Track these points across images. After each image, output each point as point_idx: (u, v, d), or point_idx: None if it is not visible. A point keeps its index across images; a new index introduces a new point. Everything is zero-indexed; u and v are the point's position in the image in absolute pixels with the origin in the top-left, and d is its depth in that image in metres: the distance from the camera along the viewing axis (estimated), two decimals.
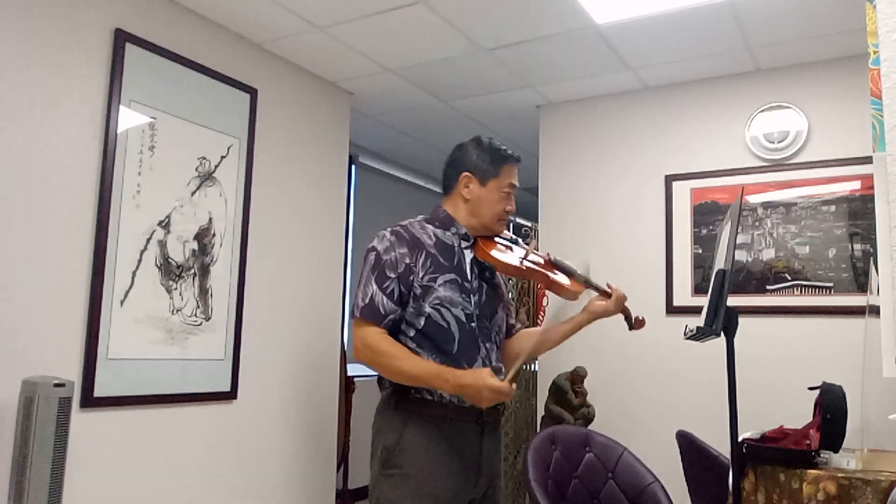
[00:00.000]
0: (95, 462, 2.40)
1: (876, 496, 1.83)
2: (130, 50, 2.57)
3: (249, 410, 2.99)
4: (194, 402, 2.76)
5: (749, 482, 2.14)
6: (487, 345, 1.92)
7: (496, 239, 2.00)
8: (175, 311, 2.69)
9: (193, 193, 2.79)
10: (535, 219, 3.90)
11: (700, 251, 3.34)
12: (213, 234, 2.86)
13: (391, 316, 1.83)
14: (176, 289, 2.70)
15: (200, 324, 2.78)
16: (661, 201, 3.47)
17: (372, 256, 1.87)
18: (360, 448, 3.86)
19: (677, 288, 3.37)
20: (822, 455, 2.04)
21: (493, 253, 1.92)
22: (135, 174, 2.57)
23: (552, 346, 2.13)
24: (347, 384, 4.06)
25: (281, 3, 2.77)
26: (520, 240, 2.08)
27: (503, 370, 1.96)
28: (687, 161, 3.44)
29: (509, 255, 1.96)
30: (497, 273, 2.02)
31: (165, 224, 2.68)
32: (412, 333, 1.86)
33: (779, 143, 3.23)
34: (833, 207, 3.08)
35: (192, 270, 2.77)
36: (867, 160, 2.98)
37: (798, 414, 2.45)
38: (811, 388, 2.24)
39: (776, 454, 2.08)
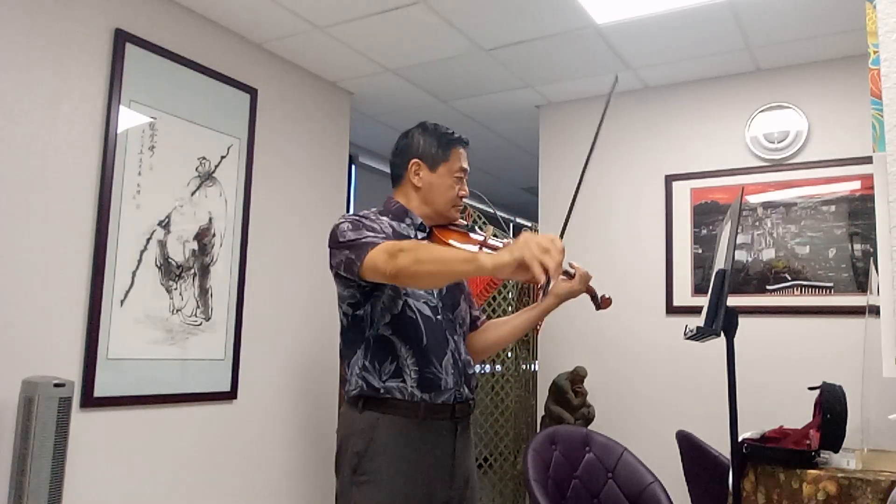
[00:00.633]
0: (95, 462, 2.40)
1: (876, 496, 1.83)
2: (130, 50, 2.57)
3: (249, 410, 2.99)
4: (194, 402, 2.76)
5: (749, 482, 2.14)
6: (455, 337, 1.87)
7: (451, 227, 1.94)
8: (175, 311, 2.69)
9: (193, 193, 2.79)
10: (535, 219, 3.90)
11: (700, 251, 3.34)
12: (213, 234, 2.87)
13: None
14: (176, 289, 2.70)
15: (200, 324, 2.78)
16: (661, 201, 3.47)
17: (345, 225, 1.75)
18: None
19: (677, 288, 3.37)
20: (822, 455, 2.04)
21: (452, 242, 1.86)
22: (135, 174, 2.57)
23: (520, 334, 2.08)
24: None
25: (281, 3, 2.77)
26: (476, 227, 2.02)
27: (472, 363, 1.92)
28: (687, 161, 3.44)
29: (467, 242, 1.90)
30: None
31: (165, 224, 2.68)
32: (388, 319, 1.78)
33: (779, 143, 3.23)
34: (833, 207, 3.08)
35: (192, 270, 2.77)
36: (867, 160, 2.98)
37: (798, 414, 2.46)
38: (811, 388, 2.24)
39: (776, 454, 2.08)
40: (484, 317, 2.12)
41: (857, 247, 3.02)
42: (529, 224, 4.08)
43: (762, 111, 3.28)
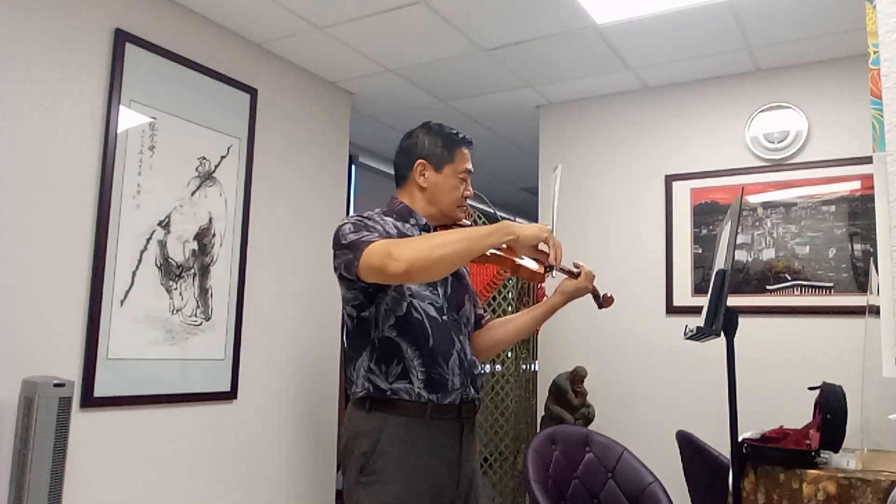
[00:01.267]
0: (95, 462, 2.40)
1: (876, 496, 1.83)
2: (130, 50, 2.57)
3: (249, 410, 2.99)
4: (194, 402, 2.76)
5: (749, 482, 2.14)
6: (460, 337, 1.87)
7: (456, 227, 1.94)
8: (175, 311, 2.69)
9: (193, 193, 2.79)
10: (535, 219, 3.90)
11: (700, 251, 3.34)
12: (213, 234, 2.87)
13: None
14: (176, 289, 2.70)
15: (200, 324, 2.78)
16: (661, 201, 3.47)
17: (347, 227, 1.76)
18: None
19: (677, 288, 3.37)
20: (822, 455, 2.04)
21: None
22: (135, 174, 2.57)
23: (527, 333, 2.09)
24: (347, 384, 4.06)
25: (281, 3, 2.77)
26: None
27: (477, 363, 1.93)
28: (687, 161, 3.44)
29: None
30: None
31: (165, 224, 2.68)
32: (392, 321, 1.78)
33: (779, 143, 3.23)
34: (833, 207, 3.08)
35: (192, 270, 2.77)
36: (867, 160, 2.98)
37: (798, 414, 2.46)
38: (811, 388, 2.24)
39: (776, 454, 2.08)
40: (489, 316, 2.13)
41: (857, 247, 3.02)
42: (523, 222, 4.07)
43: (762, 111, 3.28)
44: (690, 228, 3.37)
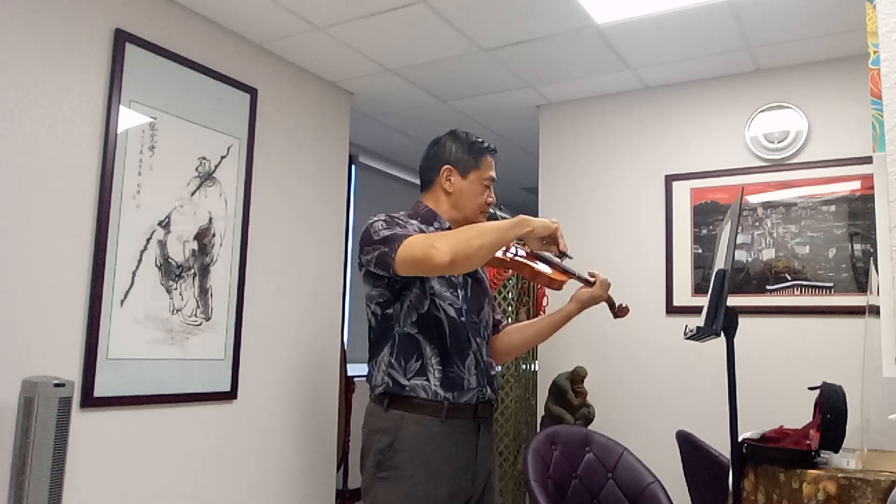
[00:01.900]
0: (95, 462, 2.40)
1: (876, 496, 1.82)
2: (130, 50, 2.57)
3: (249, 410, 2.99)
4: (194, 402, 2.76)
5: (749, 482, 2.14)
6: (478, 339, 1.92)
7: None
8: (175, 311, 2.69)
9: (193, 193, 2.79)
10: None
11: (700, 251, 3.34)
12: (213, 234, 2.87)
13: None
14: (176, 289, 2.70)
15: (200, 324, 2.78)
16: (661, 201, 3.47)
17: (378, 224, 1.82)
18: (361, 448, 3.85)
19: (677, 288, 3.37)
20: (822, 455, 2.04)
21: None
22: (135, 174, 2.57)
23: (544, 338, 2.15)
24: (347, 384, 4.07)
25: (281, 3, 2.77)
26: None
27: (494, 364, 1.97)
28: (687, 161, 3.44)
29: None
30: (481, 268, 2.02)
31: (165, 224, 2.68)
32: (414, 318, 1.83)
33: (779, 143, 3.23)
34: (833, 207, 3.08)
35: (192, 270, 2.77)
36: (867, 160, 2.98)
37: (798, 414, 2.46)
38: (811, 388, 2.24)
39: (776, 454, 2.08)
40: (506, 321, 2.17)
41: (857, 247, 3.01)
42: None
43: (762, 111, 3.28)
44: (690, 228, 3.37)
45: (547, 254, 2.03)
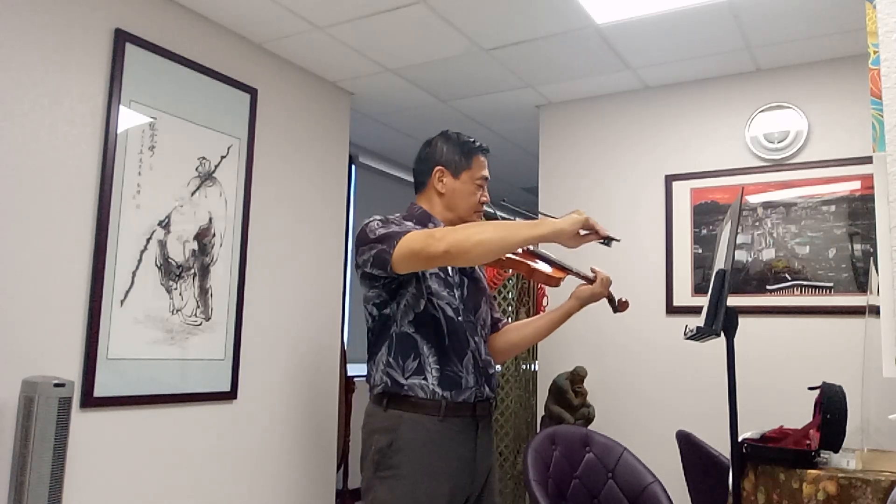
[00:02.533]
0: (95, 462, 2.40)
1: (876, 496, 1.82)
2: (130, 50, 2.57)
3: (249, 410, 2.99)
4: (194, 402, 2.76)
5: (749, 482, 2.14)
6: (476, 338, 1.92)
7: None
8: (175, 311, 2.69)
9: (193, 193, 2.79)
10: (535, 219, 3.89)
11: (700, 251, 3.34)
12: (213, 234, 2.86)
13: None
14: (176, 289, 2.70)
15: (200, 324, 2.78)
16: (661, 201, 3.47)
17: (374, 223, 1.81)
18: (360, 448, 3.85)
19: (677, 288, 3.37)
20: (822, 455, 2.04)
21: None
22: (135, 174, 2.57)
23: (543, 336, 2.14)
24: (347, 384, 4.06)
25: (281, 3, 2.77)
26: None
27: (493, 363, 1.97)
28: (687, 161, 3.44)
29: None
30: (477, 267, 2.02)
31: (165, 224, 2.68)
32: (411, 317, 1.84)
33: (779, 143, 3.23)
34: (833, 207, 3.08)
35: (192, 270, 2.77)
36: (867, 160, 2.98)
37: (798, 414, 2.45)
38: (811, 388, 2.24)
39: (776, 454, 2.08)
40: (506, 319, 2.16)
41: (857, 247, 3.01)
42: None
43: (762, 111, 3.28)
44: (690, 228, 3.37)
45: (543, 251, 2.02)
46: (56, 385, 2.08)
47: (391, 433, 1.80)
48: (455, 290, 1.90)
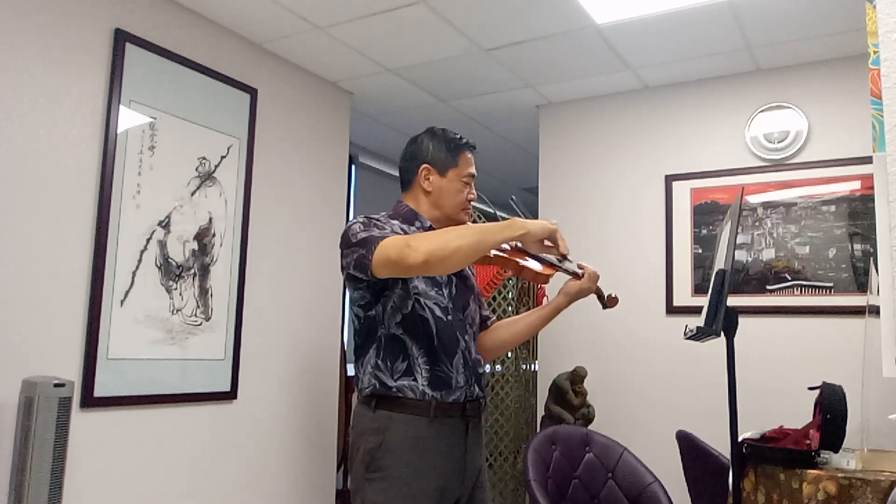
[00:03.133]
0: (95, 462, 2.40)
1: (876, 496, 1.82)
2: (130, 50, 2.57)
3: (249, 410, 2.99)
4: (194, 402, 2.76)
5: (749, 482, 2.14)
6: (465, 337, 1.91)
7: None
8: (175, 311, 2.69)
9: (193, 193, 2.79)
10: (535, 219, 3.89)
11: (700, 251, 3.34)
12: (213, 234, 2.87)
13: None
14: (176, 289, 2.70)
15: (200, 324, 2.78)
16: (661, 201, 3.47)
17: (356, 226, 1.80)
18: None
19: (677, 288, 3.37)
20: (822, 455, 2.04)
21: None
22: (135, 174, 2.57)
23: (533, 333, 2.13)
24: (347, 384, 4.06)
25: (281, 3, 2.77)
26: None
27: (482, 362, 1.96)
28: (687, 161, 3.44)
29: None
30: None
31: (165, 224, 2.68)
32: (399, 319, 1.82)
33: (779, 143, 3.23)
34: (833, 207, 3.08)
35: (192, 270, 2.77)
36: (867, 160, 2.98)
37: (798, 414, 2.45)
38: (811, 388, 2.24)
39: (776, 454, 2.08)
40: (494, 317, 2.15)
41: (857, 247, 3.02)
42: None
43: (762, 111, 3.28)
44: (690, 228, 3.37)
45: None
46: (56, 385, 2.08)
47: (380, 434, 1.78)
48: (443, 289, 1.89)
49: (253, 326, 3.02)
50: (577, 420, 3.26)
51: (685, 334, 1.88)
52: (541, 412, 3.51)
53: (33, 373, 2.19)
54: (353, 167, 4.72)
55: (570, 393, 3.29)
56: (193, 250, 2.78)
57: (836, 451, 2.06)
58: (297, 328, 3.28)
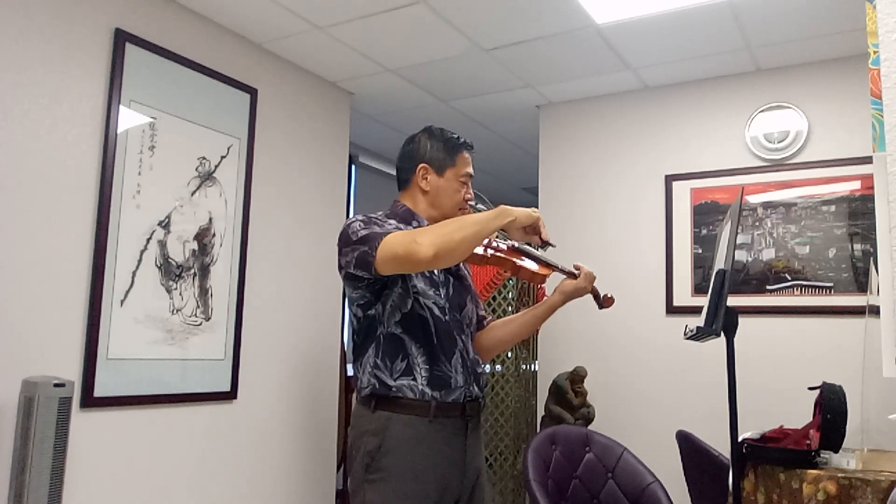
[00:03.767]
0: (95, 462, 2.40)
1: (876, 496, 1.83)
2: (130, 50, 2.57)
3: (249, 410, 2.99)
4: (194, 402, 2.76)
5: (749, 482, 2.14)
6: (462, 337, 1.90)
7: None
8: (175, 311, 2.69)
9: (193, 193, 2.79)
10: None
11: (700, 251, 3.34)
12: (213, 234, 2.87)
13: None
14: (176, 289, 2.70)
15: (200, 324, 2.78)
16: (661, 201, 3.47)
17: (356, 224, 1.80)
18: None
19: (677, 288, 3.37)
20: (822, 455, 2.04)
21: None
22: (135, 174, 2.57)
23: (528, 332, 2.14)
24: (347, 384, 4.06)
25: (281, 3, 2.77)
26: None
27: (480, 362, 1.96)
28: (687, 161, 3.44)
29: None
30: (462, 264, 2.01)
31: (165, 224, 2.68)
32: (398, 318, 1.82)
33: (779, 143, 3.23)
34: (833, 207, 3.08)
35: (192, 270, 2.77)
36: (867, 160, 2.98)
37: (798, 414, 2.46)
38: (811, 388, 2.24)
39: (776, 454, 2.08)
40: (491, 317, 2.15)
41: (857, 247, 3.02)
42: None
43: (762, 111, 3.28)
44: (690, 228, 3.37)
45: (529, 248, 2.02)
46: (56, 385, 2.08)
47: (380, 435, 1.78)
48: (441, 289, 1.89)
49: (253, 326, 3.02)
50: (577, 420, 3.26)
51: (685, 334, 1.88)
52: (541, 412, 3.51)
53: (33, 373, 2.19)
54: (353, 167, 4.72)
55: (570, 393, 3.29)
56: (193, 250, 2.78)
57: (836, 451, 2.06)
58: (297, 328, 3.28)
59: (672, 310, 3.38)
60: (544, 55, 3.22)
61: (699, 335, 1.81)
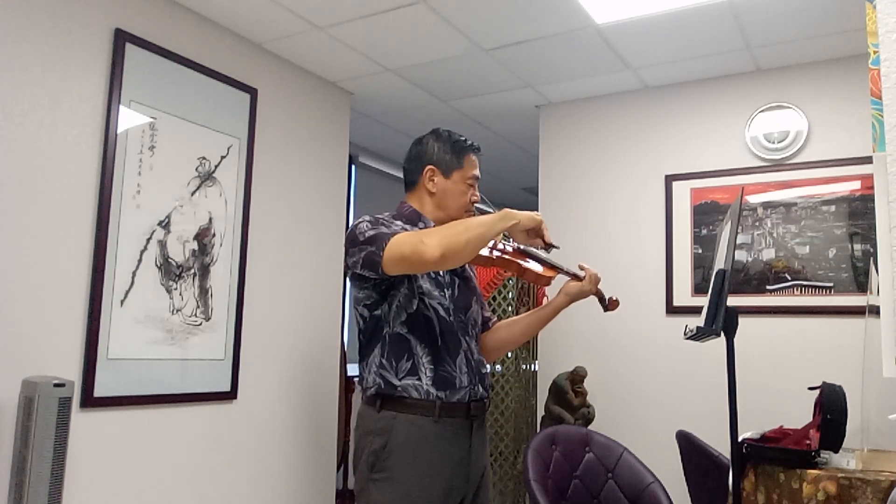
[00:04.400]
0: (95, 462, 2.40)
1: (876, 496, 1.83)
2: (130, 50, 2.57)
3: (249, 410, 2.99)
4: (194, 402, 2.76)
5: (749, 482, 2.14)
6: (467, 338, 1.92)
7: None
8: (175, 311, 2.69)
9: (193, 193, 2.79)
10: None
11: (700, 251, 3.34)
12: (213, 234, 2.87)
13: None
14: (176, 289, 2.70)
15: (200, 324, 2.78)
16: (661, 201, 3.47)
17: (363, 225, 1.81)
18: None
19: (677, 288, 3.37)
20: (822, 455, 2.04)
21: None
22: (135, 174, 2.57)
23: (533, 333, 2.15)
24: (347, 384, 4.07)
25: (281, 3, 2.77)
26: None
27: (485, 363, 1.97)
28: (687, 161, 3.44)
29: None
30: (467, 266, 2.01)
31: (165, 224, 2.68)
32: (404, 318, 1.83)
33: (779, 143, 3.23)
34: (833, 207, 3.08)
35: (192, 270, 2.77)
36: (867, 160, 2.98)
37: (798, 414, 2.46)
38: (811, 388, 2.24)
39: (776, 454, 2.08)
40: (495, 318, 2.16)
41: (857, 247, 3.02)
42: None
43: (762, 111, 3.28)
44: (690, 228, 3.37)
45: (533, 249, 2.02)
46: (56, 385, 2.08)
47: (385, 435, 1.79)
48: (446, 290, 1.90)
49: (253, 326, 3.02)
50: (577, 420, 3.26)
51: (685, 334, 1.88)
52: (541, 412, 3.51)
53: (33, 373, 2.19)
54: (353, 167, 4.72)
55: (570, 393, 3.29)
56: (193, 250, 2.78)
57: (836, 451, 2.06)
58: (297, 328, 3.28)
59: (672, 310, 3.38)
60: (544, 55, 3.22)
61: (699, 335, 1.81)
